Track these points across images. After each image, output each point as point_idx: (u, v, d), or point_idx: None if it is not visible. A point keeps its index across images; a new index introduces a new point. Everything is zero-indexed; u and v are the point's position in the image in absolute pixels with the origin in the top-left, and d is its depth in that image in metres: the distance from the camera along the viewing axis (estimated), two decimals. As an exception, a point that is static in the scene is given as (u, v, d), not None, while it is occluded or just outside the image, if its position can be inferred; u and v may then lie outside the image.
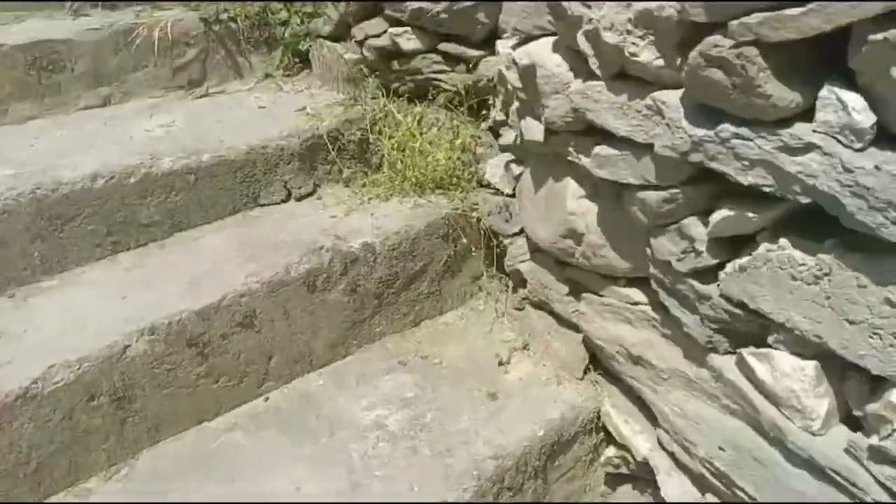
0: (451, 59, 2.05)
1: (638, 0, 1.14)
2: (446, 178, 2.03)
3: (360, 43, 2.26)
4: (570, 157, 1.50)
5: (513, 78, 1.58)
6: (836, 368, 1.11)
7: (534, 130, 1.57)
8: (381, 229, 1.88)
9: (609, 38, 1.21)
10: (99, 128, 2.18)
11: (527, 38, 1.54)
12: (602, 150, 1.34)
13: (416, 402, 1.70)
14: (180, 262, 1.81)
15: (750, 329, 1.22)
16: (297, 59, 2.61)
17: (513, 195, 1.93)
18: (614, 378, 1.67)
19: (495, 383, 1.74)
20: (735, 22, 0.96)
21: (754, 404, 1.21)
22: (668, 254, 1.28)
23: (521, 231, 1.90)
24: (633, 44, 1.18)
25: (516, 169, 1.89)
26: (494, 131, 2.03)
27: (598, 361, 1.72)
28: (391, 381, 1.78)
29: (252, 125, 2.15)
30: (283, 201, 2.09)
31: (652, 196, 1.26)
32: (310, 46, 2.54)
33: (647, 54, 1.17)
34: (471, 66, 1.99)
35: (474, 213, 1.94)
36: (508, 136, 1.87)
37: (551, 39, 1.49)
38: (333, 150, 2.12)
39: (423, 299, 1.97)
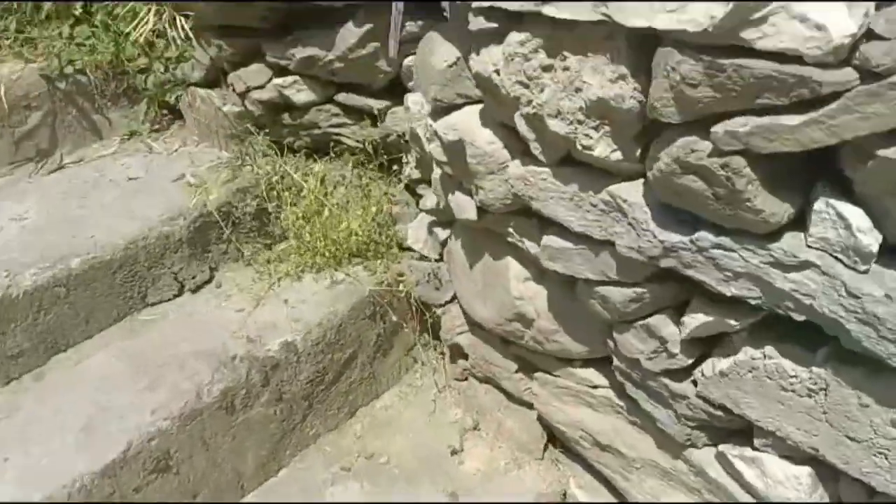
0: (353, 112, 1.84)
1: (588, 86, 1.00)
2: (363, 246, 1.83)
3: (242, 95, 1.99)
4: (510, 239, 1.36)
5: (436, 151, 1.41)
6: (831, 470, 1.05)
7: (466, 207, 1.41)
8: (299, 321, 1.66)
9: (556, 127, 1.06)
10: (-70, 232, 1.79)
11: (449, 108, 1.36)
12: (553, 241, 1.20)
13: (369, 517, 1.53)
14: (66, 396, 1.49)
15: (732, 426, 1.14)
16: (165, 111, 2.28)
17: (440, 259, 1.77)
18: (576, 455, 1.56)
19: (452, 479, 1.59)
20: (720, 129, 0.84)
21: (746, 507, 1.14)
22: (636, 352, 1.17)
23: (454, 298, 1.75)
24: (587, 135, 1.04)
25: (441, 233, 1.73)
26: (411, 188, 1.85)
27: (556, 437, 1.61)
28: (338, 494, 1.58)
29: (126, 208, 1.84)
30: (176, 296, 1.81)
31: (615, 294, 1.14)
32: (179, 96, 2.23)
33: (602, 147, 1.03)
34: (377, 119, 1.79)
35: (401, 286, 1.76)
36: (430, 200, 1.69)
37: (478, 108, 1.32)
38: (227, 226, 1.86)
39: (356, 387, 1.77)
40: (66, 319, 1.65)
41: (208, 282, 1.85)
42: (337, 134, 1.91)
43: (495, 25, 1.09)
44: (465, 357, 1.74)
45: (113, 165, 2.10)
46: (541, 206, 1.18)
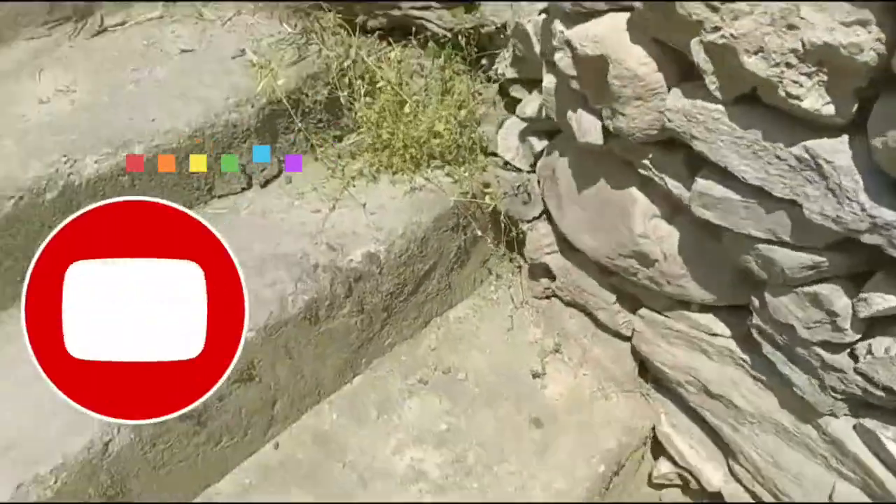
0: (442, -6, 1.60)
1: (807, 24, 0.81)
2: (445, 149, 1.67)
3: (310, -39, 1.73)
4: (643, 171, 1.20)
5: (564, 63, 1.20)
6: None
7: (590, 130, 1.24)
8: (381, 231, 1.53)
9: (755, 66, 0.87)
10: (-30, 102, 1.61)
11: (589, 14, 1.14)
12: (711, 188, 1.05)
13: (453, 438, 1.49)
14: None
15: (886, 404, 1.06)
16: (214, -29, 2.00)
17: (531, 170, 1.61)
18: (667, 389, 1.51)
19: (535, 404, 1.54)
20: None
21: (886, 486, 1.08)
22: (793, 318, 1.06)
23: (542, 214, 1.62)
24: (796, 83, 0.85)
25: (537, 143, 1.56)
26: (503, 88, 1.65)
27: (646, 368, 1.55)
28: (416, 408, 1.55)
29: (185, 87, 1.64)
30: (244, 189, 1.67)
31: (783, 257, 1.01)
32: (230, -45, 1.94)
33: (814, 99, 0.85)
34: (471, 5, 1.56)
35: (487, 199, 1.61)
36: (530, 106, 1.51)
37: (625, 17, 1.11)
38: (297, 115, 1.67)
39: (431, 298, 1.68)
40: (130, 212, 1.52)
41: (277, 176, 1.70)
42: (420, 17, 1.67)
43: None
44: (551, 277, 1.64)
45: (161, 33, 1.86)
46: (706, 148, 1.02)
